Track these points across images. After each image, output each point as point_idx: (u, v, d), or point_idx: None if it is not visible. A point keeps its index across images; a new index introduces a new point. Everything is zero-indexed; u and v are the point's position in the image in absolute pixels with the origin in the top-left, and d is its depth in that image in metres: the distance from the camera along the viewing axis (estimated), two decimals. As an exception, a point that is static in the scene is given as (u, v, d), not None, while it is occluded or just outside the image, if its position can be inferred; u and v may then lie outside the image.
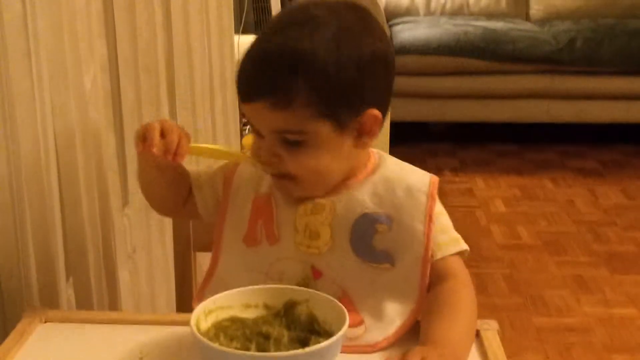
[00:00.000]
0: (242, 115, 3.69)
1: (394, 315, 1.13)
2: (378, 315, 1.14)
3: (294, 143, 1.12)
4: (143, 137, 1.11)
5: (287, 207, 1.20)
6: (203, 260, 2.29)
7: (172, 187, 1.26)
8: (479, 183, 4.15)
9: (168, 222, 1.78)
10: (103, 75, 1.48)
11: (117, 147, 1.58)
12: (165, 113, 1.90)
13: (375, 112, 1.14)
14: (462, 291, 1.14)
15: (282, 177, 1.16)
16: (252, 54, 1.13)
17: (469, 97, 4.64)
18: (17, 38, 1.18)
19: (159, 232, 1.86)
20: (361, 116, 1.13)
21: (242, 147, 3.18)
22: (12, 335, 1.12)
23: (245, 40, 3.24)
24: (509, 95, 4.63)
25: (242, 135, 3.35)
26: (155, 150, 1.09)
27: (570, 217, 3.71)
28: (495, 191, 4.05)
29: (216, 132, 2.64)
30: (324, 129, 1.11)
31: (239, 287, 1.13)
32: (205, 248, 1.55)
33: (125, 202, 1.73)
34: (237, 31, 3.16)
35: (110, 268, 1.51)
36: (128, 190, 1.74)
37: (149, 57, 1.78)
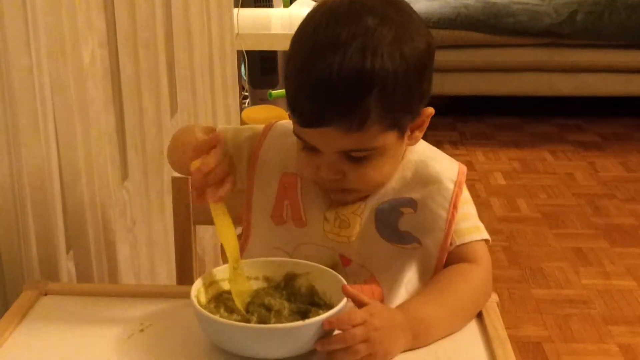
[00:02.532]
0: (241, 89, 3.69)
1: (405, 290, 1.14)
2: (395, 291, 1.14)
3: (360, 158, 1.09)
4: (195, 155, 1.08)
5: (316, 194, 1.19)
6: (203, 233, 2.30)
7: None
8: (479, 156, 4.15)
9: (168, 195, 1.78)
10: (102, 50, 1.48)
11: (116, 121, 1.58)
12: (164, 87, 1.90)
13: (430, 110, 1.14)
14: (470, 275, 1.14)
15: (342, 190, 1.14)
16: (311, 76, 1.04)
17: (469, 70, 4.63)
18: (15, 12, 1.18)
19: (159, 205, 1.86)
20: (419, 117, 1.13)
21: (241, 120, 3.18)
22: (13, 308, 1.13)
23: (245, 14, 3.24)
24: (509, 68, 4.62)
25: (241, 110, 3.35)
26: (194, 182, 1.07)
27: (570, 190, 3.72)
28: (495, 164, 4.05)
29: (216, 107, 2.64)
30: (390, 139, 1.09)
31: None
32: (205, 221, 1.56)
33: (124, 177, 1.73)
34: (236, 4, 3.15)
35: (110, 241, 1.51)
36: (127, 165, 1.75)
37: (148, 31, 1.78)
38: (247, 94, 4.01)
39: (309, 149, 1.11)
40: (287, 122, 1.26)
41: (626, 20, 4.53)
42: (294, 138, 1.18)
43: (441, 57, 4.51)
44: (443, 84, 4.61)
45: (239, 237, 1.18)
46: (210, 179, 1.07)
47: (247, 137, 1.26)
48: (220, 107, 2.71)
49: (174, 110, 2.13)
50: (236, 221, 1.29)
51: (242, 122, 3.18)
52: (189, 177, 1.30)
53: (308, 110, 1.06)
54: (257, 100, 3.85)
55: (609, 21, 4.53)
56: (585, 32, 4.53)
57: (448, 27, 4.52)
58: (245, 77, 3.84)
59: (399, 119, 1.09)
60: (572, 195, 3.65)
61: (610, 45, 4.56)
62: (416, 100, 1.10)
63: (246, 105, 3.93)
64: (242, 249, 1.23)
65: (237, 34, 3.16)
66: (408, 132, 1.13)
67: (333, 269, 1.12)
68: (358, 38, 1.02)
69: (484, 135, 4.50)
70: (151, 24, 1.80)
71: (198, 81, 2.31)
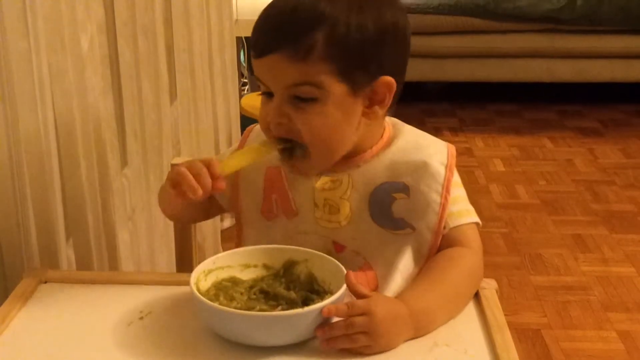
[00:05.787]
0: (240, 76, 3.68)
1: (401, 278, 1.15)
2: (391, 278, 1.15)
3: (306, 100, 1.10)
4: (176, 184, 1.09)
5: (302, 182, 1.19)
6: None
7: (196, 209, 1.27)
8: (478, 143, 4.15)
9: (167, 183, 1.78)
10: (100, 36, 1.48)
11: (115, 108, 1.58)
12: (163, 74, 1.90)
13: (389, 79, 1.12)
14: (464, 259, 1.14)
15: (292, 152, 1.14)
16: (268, 10, 1.13)
17: (468, 56, 4.62)
18: (13, -2, 1.18)
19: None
20: (376, 82, 1.12)
21: (241, 107, 3.17)
22: (13, 296, 1.13)
23: (243, 0, 3.22)
24: (509, 54, 4.61)
25: (240, 96, 3.34)
26: (194, 197, 1.08)
27: (569, 177, 3.71)
28: (494, 151, 4.05)
29: (215, 93, 2.64)
30: (339, 89, 1.10)
31: None
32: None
33: (124, 164, 1.73)
34: (235, -9, 3.14)
35: (110, 229, 1.51)
36: (127, 152, 1.75)
37: (147, 17, 1.77)
38: (246, 80, 4.00)
39: (266, 94, 1.14)
40: None
41: (626, 6, 4.52)
42: None
43: (440, 43, 4.56)
44: (442, 70, 4.60)
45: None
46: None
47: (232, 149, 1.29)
48: (220, 93, 2.70)
49: (173, 96, 2.13)
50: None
51: (242, 109, 3.18)
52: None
53: (259, 39, 1.12)
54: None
55: (608, 7, 4.51)
56: (585, 18, 4.52)
57: (447, 13, 4.51)
58: (244, 64, 3.83)
59: (350, 72, 1.10)
60: (572, 182, 3.65)
61: (610, 31, 4.54)
62: (371, 60, 1.11)
63: (245, 91, 3.92)
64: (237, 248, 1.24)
65: (236, 20, 3.15)
66: (365, 101, 1.13)
67: None
68: None
69: (483, 121, 4.50)
70: (150, 9, 1.79)
71: (197, 68, 2.30)
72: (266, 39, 1.11)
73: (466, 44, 4.58)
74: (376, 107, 1.14)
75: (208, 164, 1.09)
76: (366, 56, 1.10)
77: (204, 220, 1.41)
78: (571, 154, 4.01)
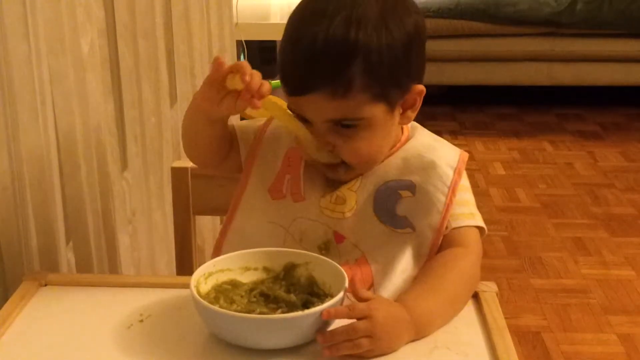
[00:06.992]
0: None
1: (401, 279, 1.15)
2: (388, 278, 1.15)
3: (348, 127, 1.12)
4: (235, 69, 1.04)
5: (318, 171, 1.20)
6: (203, 223, 2.30)
7: (217, 141, 1.23)
8: (478, 146, 4.15)
9: (167, 185, 1.78)
10: (101, 40, 1.48)
11: (115, 111, 1.58)
12: (163, 77, 1.90)
13: (421, 87, 1.15)
14: (462, 261, 1.14)
15: (336, 165, 1.16)
16: (297, 43, 1.10)
17: (468, 60, 4.63)
18: (14, 1, 1.18)
19: (159, 195, 1.86)
20: (408, 93, 1.15)
21: (246, 115, 3.17)
22: (13, 299, 1.13)
23: (244, 4, 3.23)
24: (509, 57, 4.62)
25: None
26: (242, 84, 1.03)
27: (569, 180, 3.72)
28: (494, 154, 4.05)
29: (215, 96, 2.63)
30: (378, 111, 1.12)
31: (258, 237, 1.16)
32: (205, 212, 1.56)
33: (124, 167, 1.73)
34: (235, -6, 3.14)
35: (110, 232, 1.51)
36: (127, 155, 1.74)
37: (147, 21, 1.77)
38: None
39: (303, 120, 1.14)
40: None
41: (626, 9, 4.52)
42: None
43: (440, 47, 4.57)
44: (442, 74, 4.60)
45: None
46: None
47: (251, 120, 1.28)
48: (220, 97, 2.70)
49: (173, 100, 2.13)
50: (207, 211, 1.26)
51: (242, 113, 3.17)
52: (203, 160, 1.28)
53: (293, 77, 1.10)
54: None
55: (608, 10, 4.52)
56: (585, 22, 4.52)
57: (447, 17, 4.51)
58: (244, 67, 3.83)
59: (386, 92, 1.11)
60: (572, 185, 3.65)
61: (610, 34, 4.55)
62: (403, 75, 1.13)
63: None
64: (227, 225, 1.24)
65: (237, 23, 3.15)
66: (399, 110, 1.16)
67: (326, 245, 1.15)
68: (344, 10, 1.07)
69: (484, 125, 4.50)
70: (150, 13, 1.79)
71: (197, 71, 2.30)
72: (301, 78, 1.09)
73: (466, 48, 4.59)
74: (409, 112, 1.17)
75: (263, 82, 1.05)
76: (398, 73, 1.12)
77: (217, 159, 1.26)
78: (571, 157, 4.01)
